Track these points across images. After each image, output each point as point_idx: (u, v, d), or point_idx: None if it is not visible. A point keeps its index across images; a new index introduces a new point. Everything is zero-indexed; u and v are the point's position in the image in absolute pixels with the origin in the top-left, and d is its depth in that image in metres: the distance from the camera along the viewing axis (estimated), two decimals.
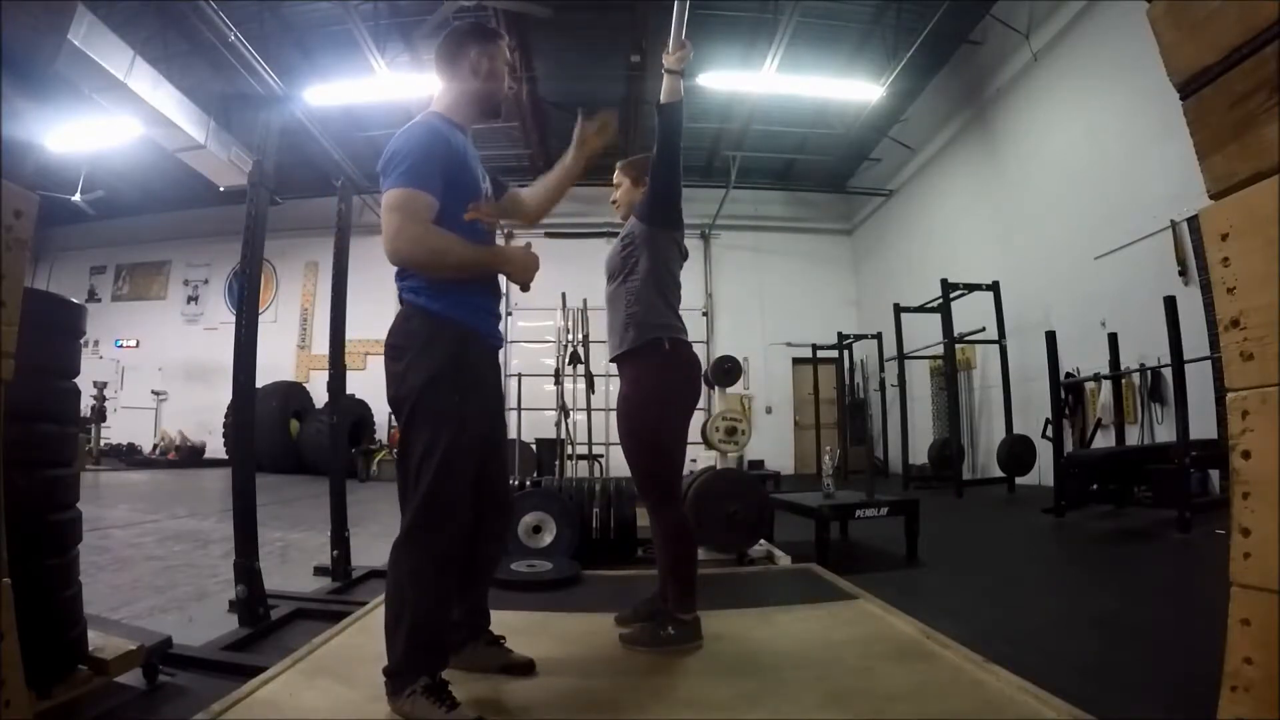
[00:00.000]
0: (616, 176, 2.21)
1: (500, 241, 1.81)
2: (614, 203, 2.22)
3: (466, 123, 1.66)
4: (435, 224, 1.46)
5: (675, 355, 1.97)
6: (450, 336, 1.50)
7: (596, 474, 7.03)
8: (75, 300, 1.83)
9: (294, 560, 3.72)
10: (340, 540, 3.13)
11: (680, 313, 2.06)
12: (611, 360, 2.07)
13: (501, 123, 10.19)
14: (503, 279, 1.63)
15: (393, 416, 1.59)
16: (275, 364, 11.66)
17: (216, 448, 11.30)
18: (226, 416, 9.62)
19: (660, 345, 1.95)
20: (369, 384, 10.75)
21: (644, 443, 1.96)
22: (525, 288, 1.61)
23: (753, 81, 8.50)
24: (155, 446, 12.21)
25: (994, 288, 7.85)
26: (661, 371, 1.96)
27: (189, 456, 11.60)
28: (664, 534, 1.97)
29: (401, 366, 1.51)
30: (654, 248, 2.00)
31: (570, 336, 7.11)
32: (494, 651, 1.73)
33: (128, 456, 12.05)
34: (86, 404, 9.45)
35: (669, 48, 1.94)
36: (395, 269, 1.55)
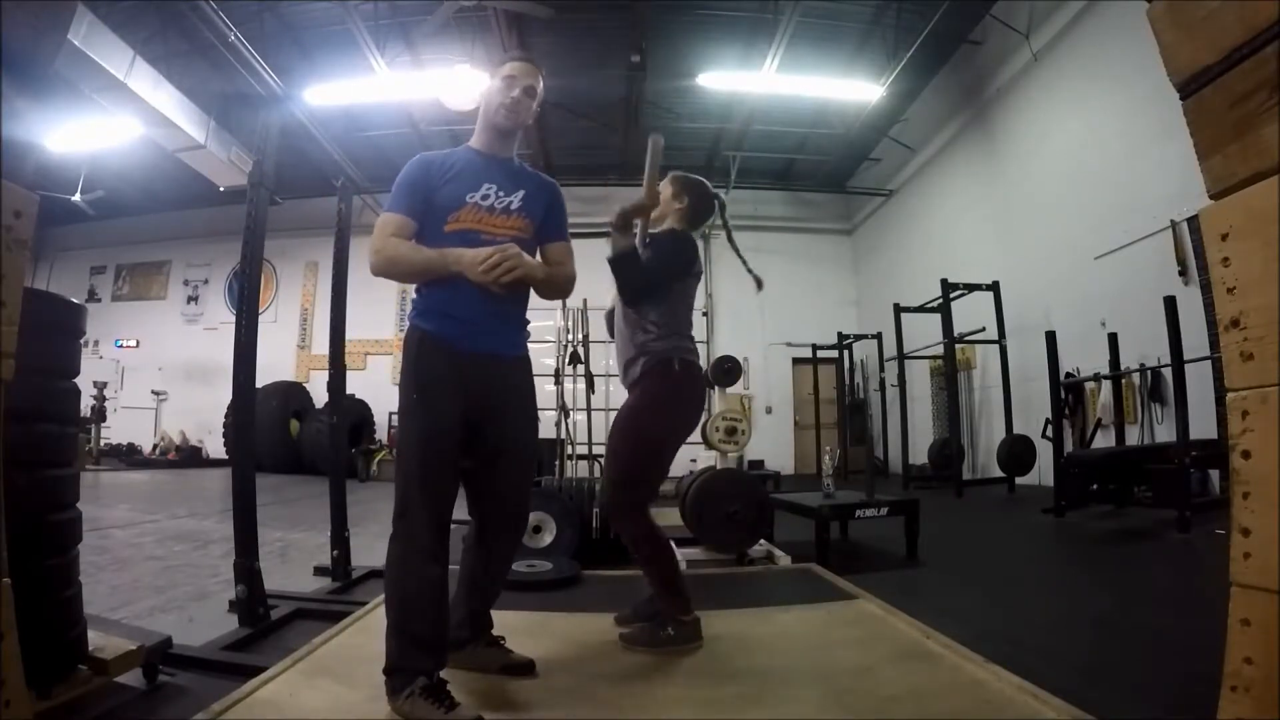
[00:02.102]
0: (664, 184, 2.17)
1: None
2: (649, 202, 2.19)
3: (484, 145, 1.75)
4: (419, 236, 1.63)
5: (685, 375, 1.99)
6: (413, 343, 1.63)
7: (596, 474, 7.03)
8: (75, 300, 1.83)
9: (294, 560, 3.72)
10: (340, 540, 3.13)
11: (690, 335, 2.08)
12: (626, 386, 2.07)
13: None
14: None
15: (393, 417, 1.66)
16: (275, 364, 11.65)
17: (217, 448, 11.30)
18: (226, 416, 9.62)
19: (671, 365, 1.97)
20: (369, 384, 10.80)
21: (639, 449, 1.96)
22: (495, 287, 1.56)
23: (753, 81, 8.50)
24: (155, 446, 12.21)
25: (994, 288, 7.84)
26: (670, 387, 1.97)
27: (189, 456, 11.60)
28: (635, 546, 1.97)
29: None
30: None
31: (570, 336, 7.12)
32: (494, 652, 1.74)
33: (128, 456, 12.05)
34: (86, 404, 9.45)
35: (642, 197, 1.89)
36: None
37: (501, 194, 1.69)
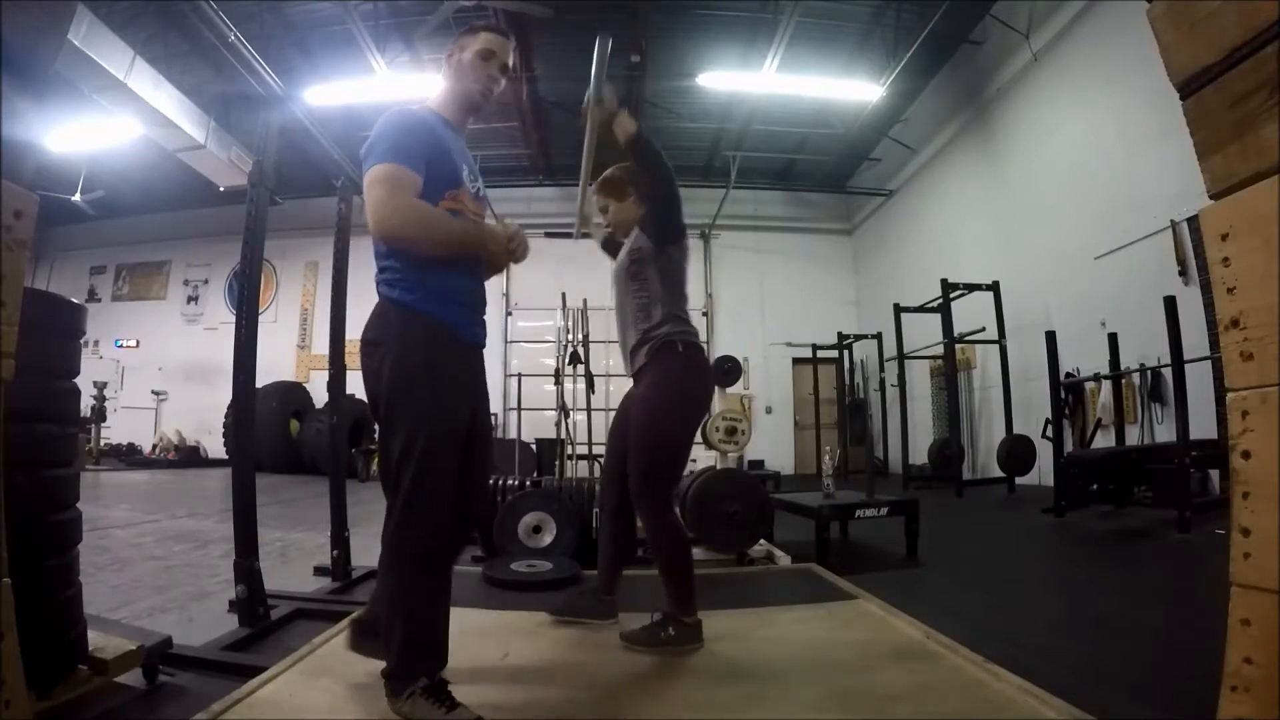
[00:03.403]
0: (598, 201, 2.17)
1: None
2: (608, 227, 2.19)
3: (452, 118, 1.65)
4: None
5: (690, 358, 1.98)
6: (423, 331, 1.49)
7: (596, 474, 7.03)
8: (75, 300, 1.83)
9: (294, 560, 3.72)
10: (340, 540, 3.13)
11: (689, 318, 2.07)
12: (631, 375, 2.06)
13: (501, 123, 10.22)
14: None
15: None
16: (275, 364, 11.66)
17: (216, 447, 11.30)
18: (226, 416, 9.61)
19: (674, 348, 1.96)
20: None
21: (655, 443, 1.94)
22: (500, 267, 1.60)
23: (753, 81, 8.50)
24: (155, 446, 12.21)
25: (994, 288, 7.85)
26: (678, 374, 1.97)
27: (188, 456, 11.59)
28: (657, 538, 1.96)
29: (375, 363, 1.49)
30: (662, 261, 2.02)
31: (570, 336, 7.12)
32: None
33: (128, 456, 12.05)
34: (86, 404, 9.45)
35: (590, 98, 1.88)
36: (377, 266, 1.55)
37: (473, 178, 1.65)
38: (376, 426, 1.52)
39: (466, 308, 1.58)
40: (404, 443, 1.45)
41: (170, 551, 3.91)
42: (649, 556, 3.44)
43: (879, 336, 9.58)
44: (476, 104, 1.66)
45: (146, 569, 3.40)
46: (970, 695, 1.56)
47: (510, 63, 1.67)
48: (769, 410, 12.01)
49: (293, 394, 11.28)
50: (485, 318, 1.69)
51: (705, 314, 12.23)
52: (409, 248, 1.49)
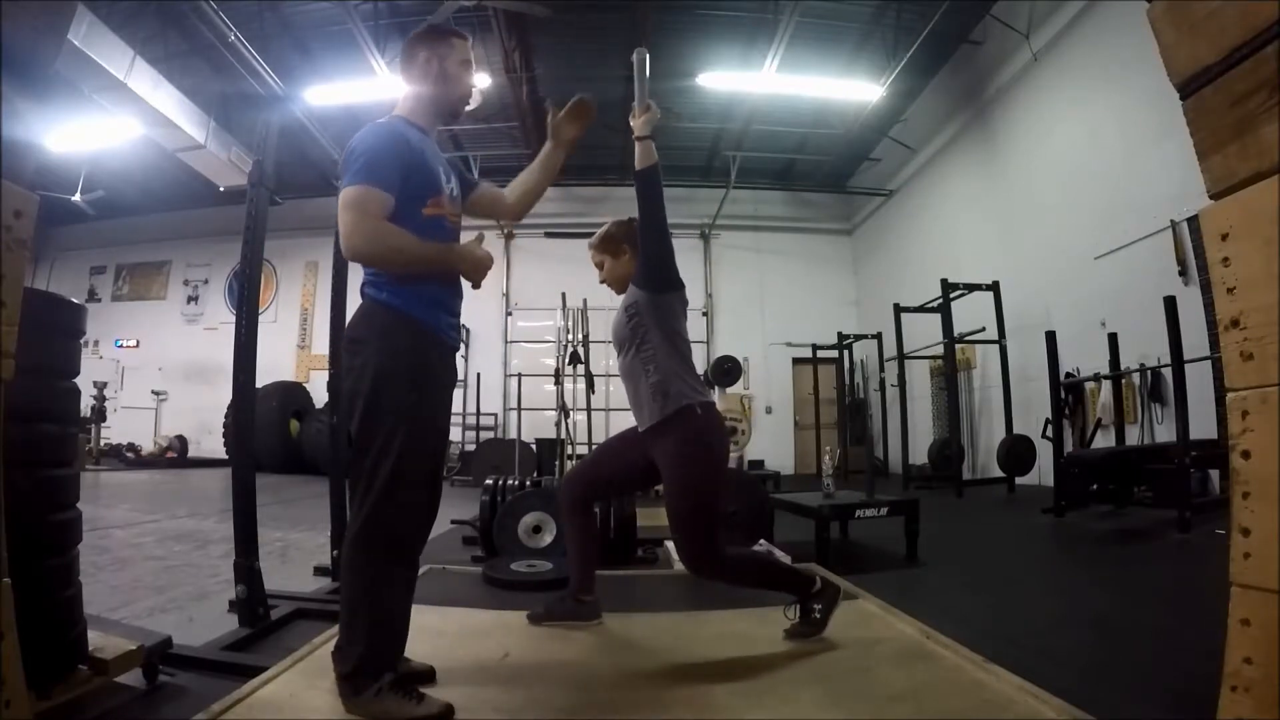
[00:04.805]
0: (593, 256, 2.17)
1: (492, 236, 1.79)
2: (603, 283, 2.19)
3: (426, 124, 1.67)
4: (392, 220, 1.48)
5: (708, 421, 1.96)
6: (409, 333, 1.51)
7: None
8: (75, 300, 1.83)
9: (294, 560, 3.72)
10: (340, 540, 3.13)
11: (695, 374, 2.08)
12: (642, 431, 2.02)
13: (502, 123, 10.22)
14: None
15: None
16: (275, 364, 11.66)
17: (215, 447, 11.30)
18: (226, 416, 9.61)
19: (693, 412, 1.93)
20: None
21: (703, 511, 1.92)
22: (476, 285, 1.62)
23: (753, 81, 8.51)
24: (139, 451, 12.14)
25: (994, 288, 7.85)
26: (702, 440, 1.94)
27: (186, 453, 11.58)
28: (738, 578, 2.00)
29: (359, 361, 1.51)
30: (660, 313, 2.00)
31: (570, 336, 7.12)
32: None
33: (128, 456, 12.04)
34: (86, 404, 9.44)
35: (634, 111, 1.90)
36: (363, 268, 1.57)
37: (448, 179, 1.67)
38: (354, 421, 1.52)
39: (447, 313, 1.61)
40: (385, 437, 1.47)
41: (170, 551, 3.91)
42: (646, 557, 3.46)
43: (879, 336, 9.57)
44: (458, 112, 1.70)
45: (146, 569, 3.40)
46: (970, 695, 1.56)
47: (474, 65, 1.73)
48: (769, 410, 12.02)
49: (293, 394, 11.28)
50: (464, 323, 1.73)
51: (705, 314, 12.24)
52: (376, 267, 1.53)
